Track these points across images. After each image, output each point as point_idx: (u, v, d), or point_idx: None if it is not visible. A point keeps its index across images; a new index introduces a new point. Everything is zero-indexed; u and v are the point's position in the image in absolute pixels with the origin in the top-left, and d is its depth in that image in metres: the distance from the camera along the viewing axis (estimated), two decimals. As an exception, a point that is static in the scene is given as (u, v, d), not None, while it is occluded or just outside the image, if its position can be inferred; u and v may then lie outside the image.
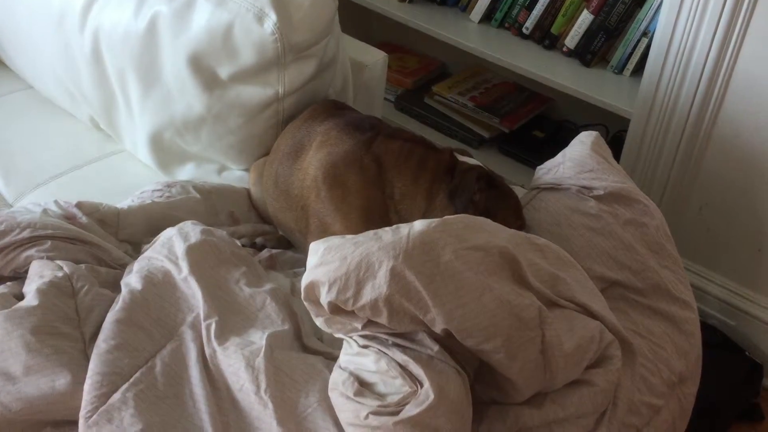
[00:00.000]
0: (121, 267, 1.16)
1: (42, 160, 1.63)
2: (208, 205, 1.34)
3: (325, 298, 0.93)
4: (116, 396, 0.96)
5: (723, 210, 1.86)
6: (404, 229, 0.96)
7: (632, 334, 1.29)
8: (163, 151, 1.57)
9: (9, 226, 1.13)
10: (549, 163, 1.49)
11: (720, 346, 1.89)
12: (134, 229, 1.26)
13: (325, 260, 0.94)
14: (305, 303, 0.97)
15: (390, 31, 2.58)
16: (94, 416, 0.95)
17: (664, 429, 1.29)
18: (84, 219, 1.20)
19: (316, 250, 0.96)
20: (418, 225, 0.97)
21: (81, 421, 0.95)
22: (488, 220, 1.08)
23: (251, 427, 0.95)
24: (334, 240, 0.96)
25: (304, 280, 0.95)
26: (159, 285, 1.05)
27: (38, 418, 0.99)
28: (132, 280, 1.07)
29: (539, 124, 2.39)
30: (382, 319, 0.91)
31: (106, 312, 1.05)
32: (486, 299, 0.95)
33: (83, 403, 0.96)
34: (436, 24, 2.28)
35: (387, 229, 0.97)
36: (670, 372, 1.31)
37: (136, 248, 1.22)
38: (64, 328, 1.03)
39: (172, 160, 1.58)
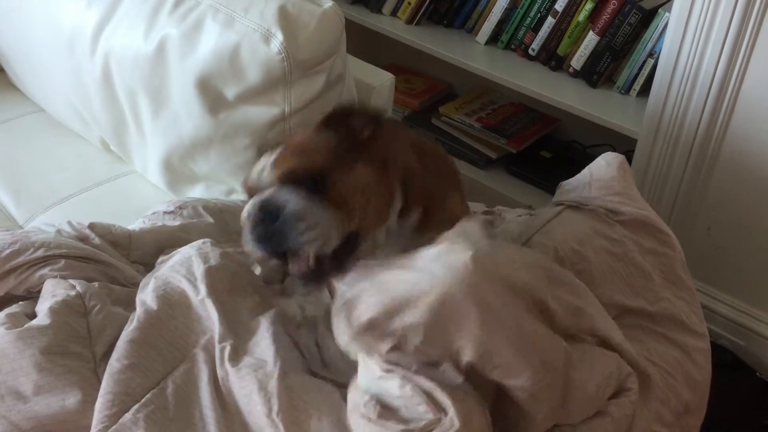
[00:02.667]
0: (134, 286, 1.16)
1: (53, 182, 1.65)
2: (220, 225, 1.35)
3: (363, 314, 0.93)
4: (127, 416, 0.96)
5: (731, 229, 1.86)
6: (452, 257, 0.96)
7: (647, 362, 1.28)
8: (173, 173, 1.58)
9: (23, 245, 1.14)
10: (575, 181, 1.49)
11: (730, 366, 1.88)
12: (145, 251, 1.26)
13: (371, 283, 0.95)
14: (334, 317, 0.96)
15: (397, 53, 2.60)
16: None
17: None
18: (97, 240, 1.21)
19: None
20: (460, 257, 0.96)
21: None
22: (511, 247, 1.11)
23: (261, 451, 0.95)
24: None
25: (344, 293, 0.95)
26: (175, 305, 1.06)
27: (48, 437, 0.99)
28: (148, 298, 1.07)
29: (546, 144, 2.40)
30: (415, 343, 0.91)
31: (118, 331, 1.05)
32: (517, 335, 0.95)
33: (94, 422, 0.96)
34: (443, 46, 2.30)
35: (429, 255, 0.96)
36: (678, 401, 1.30)
37: (148, 269, 1.22)
38: (74, 347, 1.03)
39: (182, 182, 1.59)
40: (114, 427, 0.95)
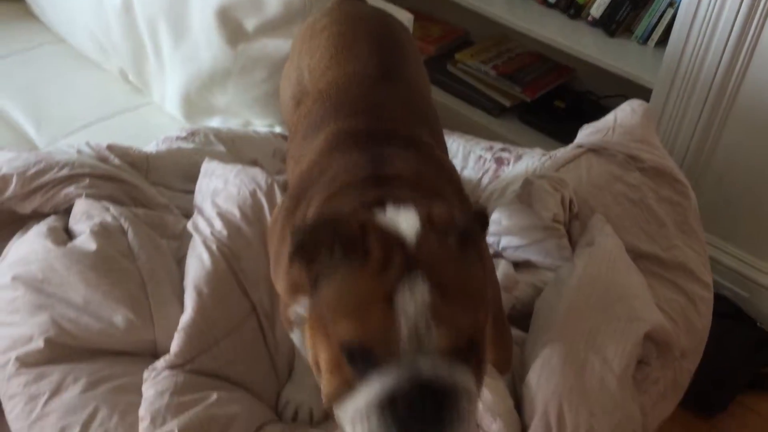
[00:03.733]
0: (156, 206, 1.20)
1: (73, 110, 1.67)
2: (233, 154, 1.37)
3: None
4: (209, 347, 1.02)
5: (742, 182, 1.87)
6: None
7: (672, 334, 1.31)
8: (191, 104, 1.60)
9: (48, 164, 1.17)
10: (598, 124, 1.51)
11: (732, 317, 1.91)
12: (164, 172, 1.29)
13: None
14: None
15: (415, 1, 2.58)
16: (189, 366, 1.01)
17: (654, 397, 1.32)
18: (116, 161, 1.24)
19: None
20: None
21: (166, 363, 1.01)
22: None
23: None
24: None
25: None
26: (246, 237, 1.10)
27: (97, 347, 1.04)
28: (220, 228, 1.12)
29: (561, 94, 2.39)
30: None
31: (156, 252, 1.09)
32: None
33: (176, 349, 1.01)
34: (463, -9, 2.29)
35: None
36: (676, 347, 1.34)
37: (167, 190, 1.25)
38: (120, 265, 1.07)
39: (199, 113, 1.61)
40: (200, 357, 1.00)
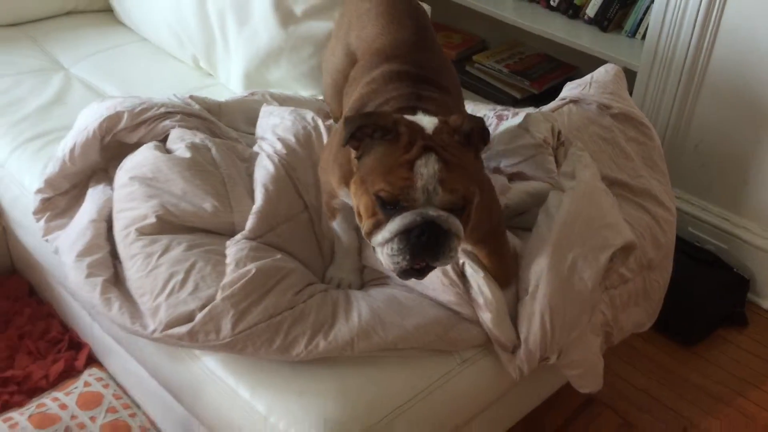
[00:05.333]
0: (228, 138, 1.57)
1: (155, 92, 2.04)
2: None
3: None
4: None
5: (715, 147, 2.18)
6: None
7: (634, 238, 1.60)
8: (250, 80, 1.98)
9: (149, 104, 1.56)
10: (578, 81, 1.84)
11: (712, 264, 2.19)
12: (232, 117, 1.67)
13: None
14: None
15: (438, 11, 2.96)
16: (259, 240, 1.36)
17: (626, 297, 1.60)
18: (196, 106, 1.62)
19: None
20: None
21: (243, 236, 1.36)
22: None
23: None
24: None
25: None
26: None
27: (191, 225, 1.41)
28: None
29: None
30: None
31: (232, 164, 1.47)
32: None
33: (250, 226, 1.37)
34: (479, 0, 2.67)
35: None
36: (643, 256, 1.62)
37: (234, 131, 1.63)
38: (207, 168, 1.45)
39: (257, 88, 1.99)
40: (267, 234, 1.36)
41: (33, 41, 2.26)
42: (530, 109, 1.88)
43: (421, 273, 1.12)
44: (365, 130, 1.11)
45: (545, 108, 1.79)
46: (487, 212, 1.30)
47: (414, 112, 1.17)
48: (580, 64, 2.72)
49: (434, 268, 1.12)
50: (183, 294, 1.29)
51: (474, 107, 1.90)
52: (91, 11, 2.44)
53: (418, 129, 1.11)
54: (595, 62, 2.36)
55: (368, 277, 1.46)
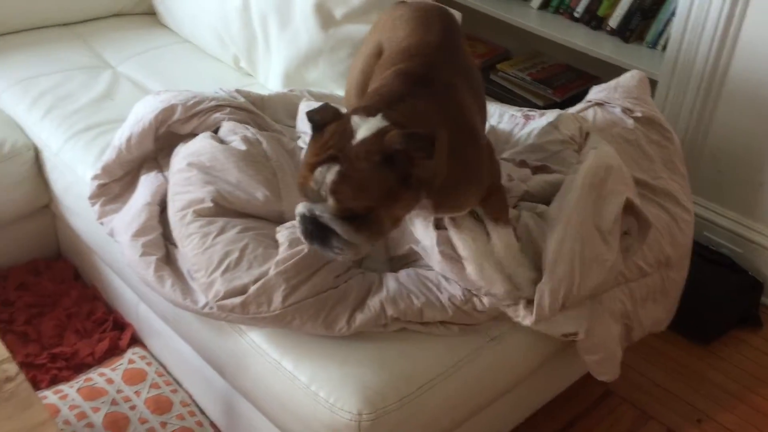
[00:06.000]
0: (273, 131, 1.67)
1: (197, 89, 2.16)
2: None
3: None
4: None
5: (731, 154, 2.27)
6: None
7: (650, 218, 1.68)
8: (289, 80, 2.09)
9: (201, 98, 1.67)
10: (605, 85, 1.94)
11: (728, 267, 2.27)
12: (274, 110, 1.78)
13: None
14: None
15: (464, 21, 3.07)
16: None
17: (644, 291, 1.68)
18: (241, 99, 1.73)
19: None
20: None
21: (293, 224, 1.43)
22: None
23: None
24: None
25: None
26: None
27: (243, 212, 1.51)
28: None
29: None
30: None
31: (281, 156, 1.56)
32: None
33: None
34: (503, 9, 2.77)
35: None
36: (660, 252, 1.71)
37: (276, 123, 1.74)
38: (260, 160, 1.55)
39: (296, 88, 2.10)
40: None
41: (82, 41, 2.38)
42: (557, 111, 1.98)
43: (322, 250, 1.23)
44: (310, 119, 1.21)
45: (571, 109, 1.88)
46: (488, 174, 1.40)
47: (374, 114, 1.18)
48: (601, 74, 2.81)
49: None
50: (238, 271, 1.39)
51: (502, 109, 2.00)
52: (136, 14, 2.56)
53: (342, 136, 1.16)
54: (617, 72, 2.44)
55: (396, 266, 1.55)
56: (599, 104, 1.87)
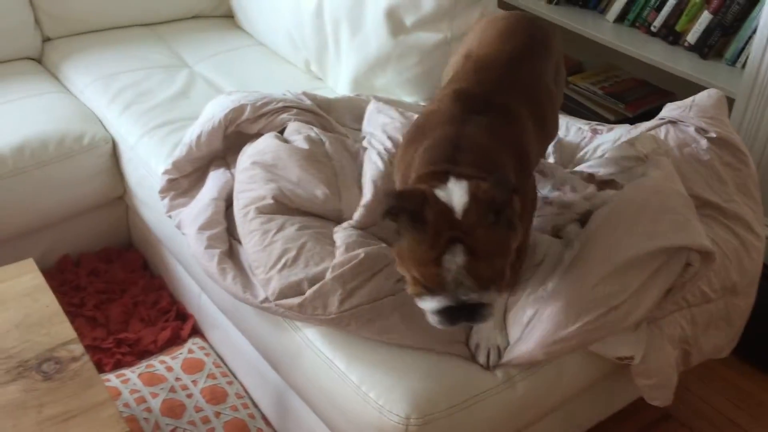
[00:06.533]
0: (338, 133, 1.71)
1: (269, 90, 2.23)
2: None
3: None
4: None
5: (811, 178, 2.17)
6: None
7: (711, 241, 1.63)
8: (358, 85, 2.12)
9: (270, 99, 1.72)
10: (680, 103, 1.89)
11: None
12: (340, 113, 1.82)
13: None
14: None
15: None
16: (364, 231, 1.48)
17: (707, 317, 1.63)
18: (308, 102, 1.77)
19: None
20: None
21: (350, 225, 1.49)
22: None
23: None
24: None
25: None
26: None
27: (303, 209, 1.55)
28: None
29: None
30: None
31: (343, 156, 1.60)
32: None
33: (357, 218, 1.51)
34: (577, 22, 2.74)
35: None
36: (726, 278, 1.66)
37: (342, 126, 1.77)
38: (321, 159, 1.59)
39: (363, 93, 2.13)
40: (372, 228, 1.49)
41: (162, 40, 2.48)
42: (626, 125, 1.95)
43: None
44: (395, 210, 1.14)
45: (643, 126, 1.85)
46: (527, 228, 1.36)
47: (446, 178, 1.16)
48: (677, 91, 2.74)
49: None
50: (295, 269, 1.42)
51: (569, 121, 1.98)
52: (215, 16, 2.65)
53: (446, 214, 1.12)
54: (693, 89, 2.38)
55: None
56: (672, 122, 1.82)
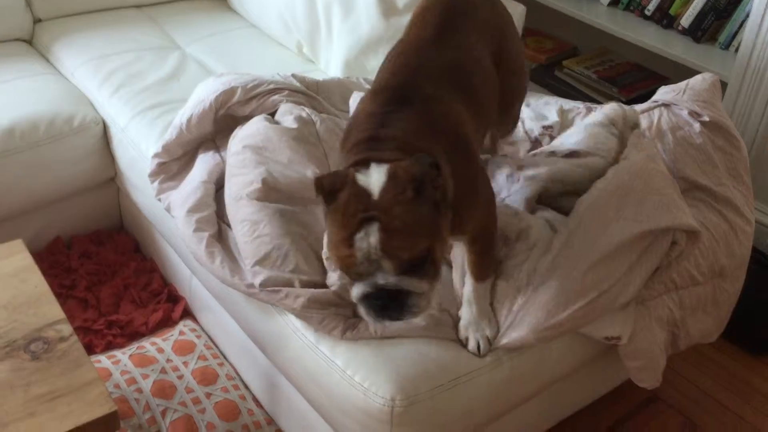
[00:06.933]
0: (329, 114, 1.71)
1: (260, 73, 2.22)
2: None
3: None
4: None
5: (802, 162, 2.18)
6: None
7: (700, 224, 1.64)
8: (350, 68, 2.11)
9: (260, 81, 1.71)
10: (673, 86, 1.89)
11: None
12: (329, 94, 1.82)
13: None
14: None
15: (531, 16, 3.03)
16: None
17: (695, 300, 1.64)
18: (297, 84, 1.76)
19: None
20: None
21: None
22: None
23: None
24: None
25: None
26: None
27: (293, 194, 1.54)
28: None
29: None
30: None
31: (334, 137, 1.59)
32: None
33: None
34: (572, 5, 2.73)
35: None
36: (715, 261, 1.66)
37: (331, 107, 1.77)
38: (311, 140, 1.59)
39: (356, 75, 2.12)
40: None
41: (154, 22, 2.46)
42: (612, 105, 1.94)
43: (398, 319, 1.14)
44: (319, 192, 1.10)
45: (636, 107, 1.85)
46: (482, 213, 1.31)
47: (367, 165, 1.10)
48: (670, 75, 2.74)
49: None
50: (284, 267, 1.43)
51: (564, 103, 1.98)
52: (207, -2, 2.64)
53: (361, 195, 1.07)
54: (687, 73, 2.38)
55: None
56: (666, 105, 1.82)
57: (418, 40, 1.36)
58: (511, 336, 1.39)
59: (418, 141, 1.17)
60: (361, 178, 1.08)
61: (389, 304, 1.09)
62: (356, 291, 1.10)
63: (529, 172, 1.57)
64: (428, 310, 1.15)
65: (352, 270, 1.08)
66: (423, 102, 1.23)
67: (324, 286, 1.45)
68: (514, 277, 1.42)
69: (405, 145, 1.15)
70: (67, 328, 1.28)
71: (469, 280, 1.38)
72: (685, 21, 2.49)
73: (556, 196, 1.59)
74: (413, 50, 1.34)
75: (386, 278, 1.06)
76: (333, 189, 1.08)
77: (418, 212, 1.06)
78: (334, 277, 1.43)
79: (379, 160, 1.10)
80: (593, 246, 1.43)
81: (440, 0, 1.42)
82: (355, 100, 1.75)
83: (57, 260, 2.10)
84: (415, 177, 1.06)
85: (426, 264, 1.08)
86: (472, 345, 1.39)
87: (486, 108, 1.40)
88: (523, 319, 1.39)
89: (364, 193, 1.07)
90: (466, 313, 1.39)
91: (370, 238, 1.04)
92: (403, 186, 1.05)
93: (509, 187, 1.58)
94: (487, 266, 1.39)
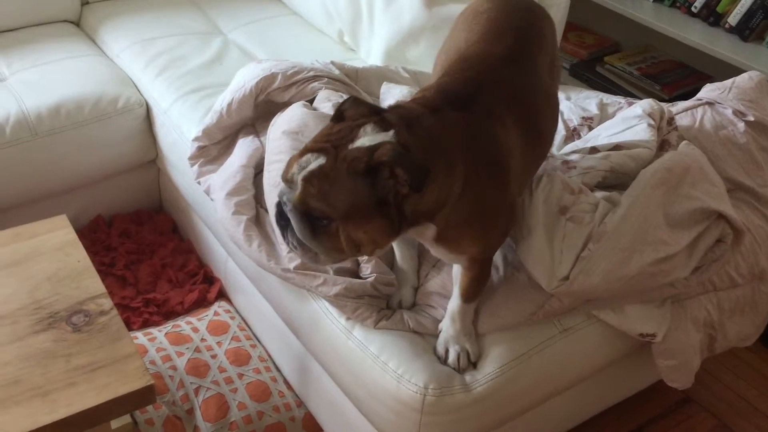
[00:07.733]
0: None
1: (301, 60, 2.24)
2: (414, 81, 1.87)
3: None
4: None
5: None
6: None
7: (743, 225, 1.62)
8: (390, 57, 2.11)
9: (300, 68, 1.73)
10: (718, 84, 1.86)
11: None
12: (368, 82, 1.82)
13: None
14: None
15: (574, 11, 3.00)
16: None
17: (733, 302, 1.62)
18: (336, 71, 1.77)
19: None
20: None
21: None
22: None
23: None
24: None
25: None
26: None
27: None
28: None
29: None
30: None
31: None
32: None
33: None
34: (616, 0, 2.69)
35: None
36: (755, 263, 1.64)
37: (369, 95, 1.78)
38: None
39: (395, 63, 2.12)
40: None
41: (198, 8, 2.49)
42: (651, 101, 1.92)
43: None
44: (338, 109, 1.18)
45: (680, 105, 1.82)
46: (490, 243, 1.30)
47: (388, 129, 1.11)
48: (715, 74, 2.69)
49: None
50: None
51: (604, 97, 1.96)
52: (251, -16, 2.65)
53: (348, 135, 1.10)
54: (732, 72, 2.33)
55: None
56: (710, 103, 1.79)
57: (489, 56, 1.34)
58: (583, 283, 1.36)
59: (444, 147, 1.15)
60: (365, 128, 1.10)
61: (286, 224, 1.14)
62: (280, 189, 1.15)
63: (585, 163, 1.56)
64: (308, 261, 1.24)
65: (284, 173, 1.12)
66: (484, 116, 1.22)
67: (356, 274, 1.46)
68: (585, 223, 1.40)
69: (427, 143, 1.13)
70: (107, 303, 1.31)
71: (456, 298, 1.36)
72: (733, 19, 2.44)
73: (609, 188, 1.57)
74: (484, 65, 1.32)
75: (287, 200, 1.11)
76: (346, 114, 1.15)
77: (350, 185, 1.07)
78: (368, 268, 1.44)
79: (398, 136, 1.10)
80: (660, 209, 1.44)
81: (515, 19, 1.41)
82: (386, 90, 1.75)
83: (98, 238, 2.14)
84: (374, 161, 1.06)
85: (326, 231, 1.10)
86: (452, 359, 1.37)
87: (546, 140, 1.41)
88: (597, 265, 1.36)
89: (350, 135, 1.10)
90: (448, 328, 1.38)
91: (309, 164, 1.08)
92: (368, 158, 1.07)
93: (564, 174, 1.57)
94: (478, 291, 1.37)
